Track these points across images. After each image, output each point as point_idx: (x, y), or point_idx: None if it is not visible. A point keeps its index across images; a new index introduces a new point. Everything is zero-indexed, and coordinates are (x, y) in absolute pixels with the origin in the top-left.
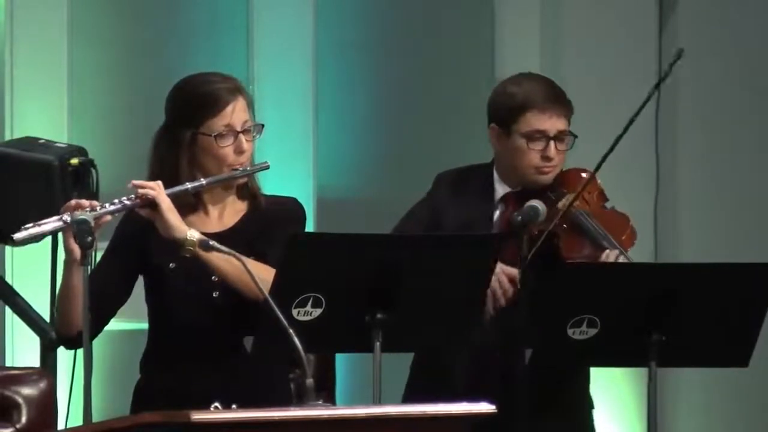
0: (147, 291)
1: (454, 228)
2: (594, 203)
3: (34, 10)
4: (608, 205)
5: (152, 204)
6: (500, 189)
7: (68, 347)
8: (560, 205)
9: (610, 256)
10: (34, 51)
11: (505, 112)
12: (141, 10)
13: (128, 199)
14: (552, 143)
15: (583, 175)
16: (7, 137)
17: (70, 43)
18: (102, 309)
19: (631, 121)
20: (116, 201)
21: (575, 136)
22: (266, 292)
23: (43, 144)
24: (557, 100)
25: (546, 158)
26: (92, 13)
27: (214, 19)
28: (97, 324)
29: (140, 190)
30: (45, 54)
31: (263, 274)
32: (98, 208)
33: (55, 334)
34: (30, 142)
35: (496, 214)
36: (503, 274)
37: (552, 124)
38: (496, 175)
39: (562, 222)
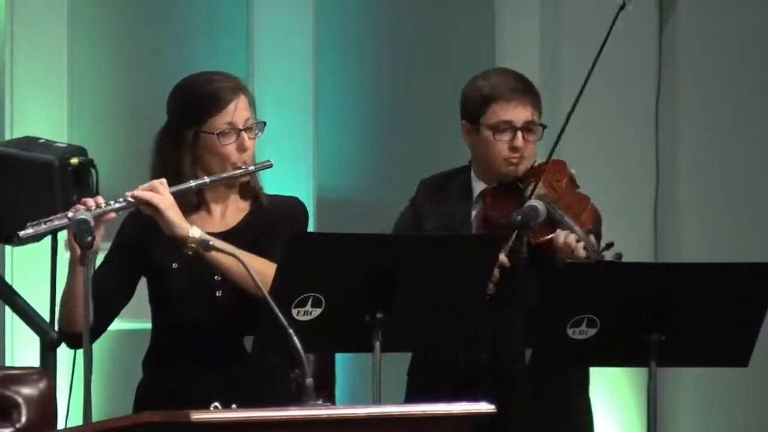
0: (150, 291)
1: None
2: (561, 190)
3: (34, 10)
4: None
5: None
6: (477, 187)
7: (71, 346)
8: (527, 195)
9: (567, 237)
10: (34, 51)
11: (472, 106)
12: (141, 10)
13: (132, 197)
14: (519, 134)
15: (557, 164)
16: (7, 137)
17: (70, 43)
18: (105, 308)
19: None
20: (120, 199)
21: (544, 127)
22: (268, 290)
23: (43, 144)
24: (523, 90)
25: (514, 149)
26: (92, 13)
27: (214, 19)
28: (101, 323)
29: (138, 193)
30: (45, 54)
31: (265, 269)
32: (103, 205)
33: (59, 333)
34: (30, 142)
35: (473, 211)
36: None
37: (518, 114)
38: (473, 174)
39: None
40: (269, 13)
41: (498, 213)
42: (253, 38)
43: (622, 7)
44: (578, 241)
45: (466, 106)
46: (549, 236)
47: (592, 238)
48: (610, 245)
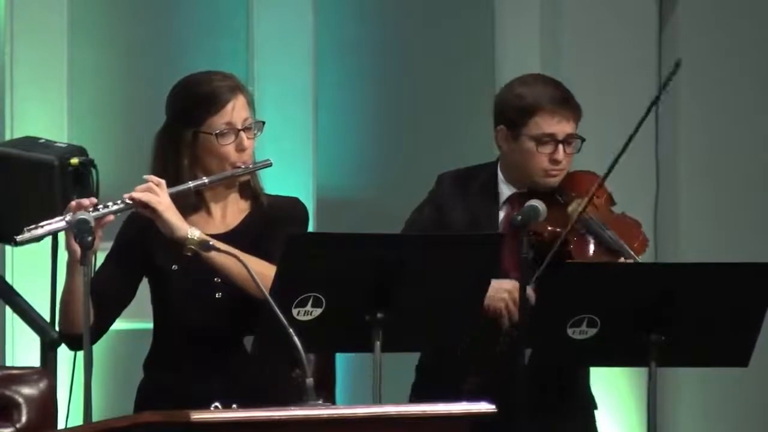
0: (151, 292)
1: (460, 227)
2: (602, 207)
3: (34, 10)
4: (616, 209)
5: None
6: (505, 190)
7: (72, 347)
8: (570, 210)
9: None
10: (34, 51)
11: (513, 115)
12: (141, 10)
13: (130, 199)
14: (561, 147)
15: (592, 178)
16: (7, 137)
17: (70, 43)
18: (106, 309)
19: (633, 134)
20: (119, 201)
21: (583, 140)
22: (268, 290)
23: (43, 144)
24: (567, 103)
25: (554, 161)
26: (92, 13)
27: (214, 19)
28: (102, 324)
29: (136, 195)
30: (45, 54)
31: (265, 271)
32: (100, 207)
33: (60, 334)
34: (30, 142)
35: (501, 215)
36: (509, 296)
37: (561, 127)
38: (500, 176)
39: (574, 228)
40: (269, 14)
41: None
42: (253, 38)
43: (677, 65)
44: None
45: (504, 113)
46: (603, 260)
47: None
48: None
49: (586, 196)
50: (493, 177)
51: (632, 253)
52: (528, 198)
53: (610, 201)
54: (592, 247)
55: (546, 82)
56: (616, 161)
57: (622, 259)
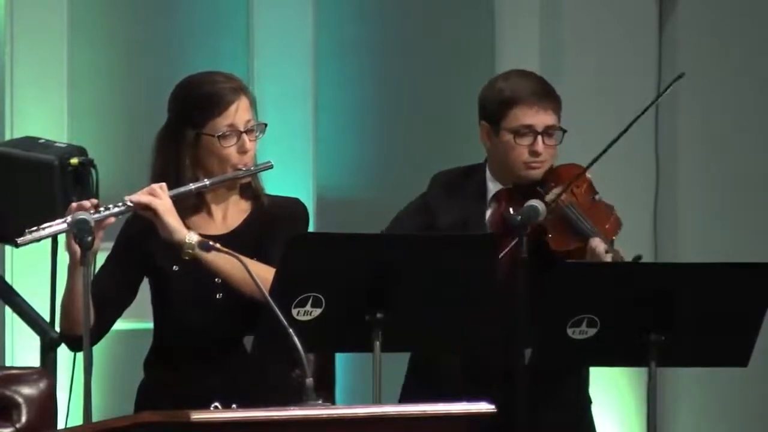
0: (152, 292)
1: (448, 228)
2: (582, 195)
3: (34, 10)
4: (598, 198)
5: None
6: (492, 187)
7: (73, 348)
8: (547, 199)
9: (598, 246)
10: (34, 51)
11: (492, 109)
12: (141, 10)
13: (131, 201)
14: (540, 138)
15: (575, 170)
16: (7, 137)
17: (70, 43)
18: (107, 311)
19: (625, 130)
20: (120, 203)
21: (564, 131)
22: (267, 292)
23: (43, 144)
24: (544, 94)
25: (534, 153)
26: (92, 13)
27: (214, 19)
28: (103, 326)
29: (136, 198)
30: (45, 54)
31: (264, 274)
32: (101, 209)
33: (60, 335)
34: (30, 142)
35: (488, 212)
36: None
37: (539, 119)
38: (488, 173)
39: (550, 216)
40: (269, 14)
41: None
42: (253, 39)
43: (679, 76)
44: (607, 252)
45: (485, 108)
46: (575, 246)
47: (620, 252)
48: (638, 258)
49: (563, 186)
50: (482, 176)
51: (600, 233)
52: (513, 193)
53: (591, 189)
54: (567, 234)
55: (525, 75)
56: (600, 155)
57: (592, 240)
